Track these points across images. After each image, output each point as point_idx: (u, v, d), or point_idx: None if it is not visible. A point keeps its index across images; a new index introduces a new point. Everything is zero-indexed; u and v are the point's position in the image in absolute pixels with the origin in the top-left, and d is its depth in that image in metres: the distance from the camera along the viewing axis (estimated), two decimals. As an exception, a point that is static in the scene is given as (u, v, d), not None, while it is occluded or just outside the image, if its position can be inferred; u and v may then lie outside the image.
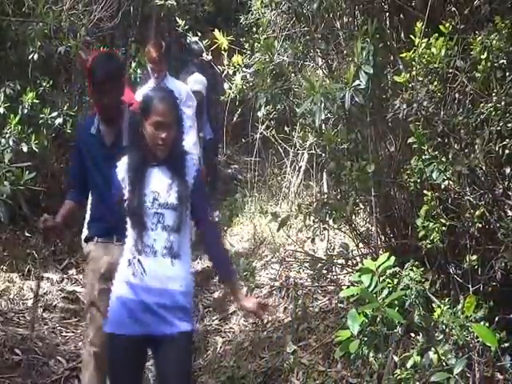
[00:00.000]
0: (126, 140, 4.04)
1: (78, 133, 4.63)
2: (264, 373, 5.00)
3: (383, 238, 5.20)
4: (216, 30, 5.92)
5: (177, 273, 3.56)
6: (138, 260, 3.51)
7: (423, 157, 4.02)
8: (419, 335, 4.15)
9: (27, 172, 5.54)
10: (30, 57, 6.61)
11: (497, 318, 3.95)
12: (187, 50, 8.47)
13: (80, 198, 4.47)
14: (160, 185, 3.58)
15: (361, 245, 5.50)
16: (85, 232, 4.78)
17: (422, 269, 4.22)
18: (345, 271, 5.75)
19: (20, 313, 6.11)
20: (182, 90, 6.74)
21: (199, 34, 7.86)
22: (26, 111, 6.36)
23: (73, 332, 5.95)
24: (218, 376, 5.09)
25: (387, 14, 5.02)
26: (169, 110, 3.56)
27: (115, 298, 3.59)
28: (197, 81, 8.06)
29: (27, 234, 7.13)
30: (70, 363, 5.39)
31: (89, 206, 4.67)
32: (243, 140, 9.62)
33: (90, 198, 4.57)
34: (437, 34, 3.91)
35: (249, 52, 5.83)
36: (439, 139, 4.21)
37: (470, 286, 4.04)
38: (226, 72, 5.88)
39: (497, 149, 4.08)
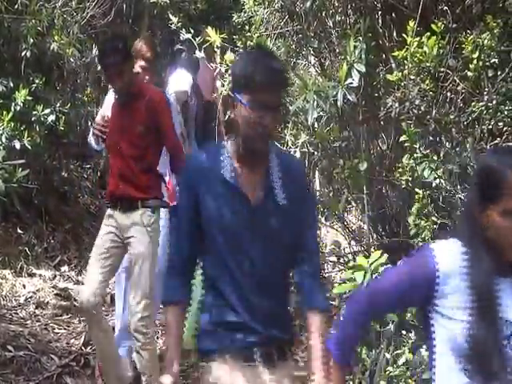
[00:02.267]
0: (281, 194, 2.62)
1: (195, 173, 2.68)
2: (256, 369, 4.99)
3: (375, 235, 5.23)
4: (209, 27, 5.91)
5: None
6: None
7: (415, 155, 4.05)
8: (411, 332, 4.16)
9: (20, 169, 5.54)
10: (23, 54, 6.59)
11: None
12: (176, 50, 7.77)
13: (187, 291, 2.76)
14: None
15: (353, 242, 5.52)
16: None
17: (414, 266, 4.24)
18: (337, 268, 5.77)
19: (12, 309, 6.10)
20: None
21: (192, 32, 7.84)
22: (18, 108, 6.32)
23: (65, 329, 5.94)
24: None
25: (379, 12, 5.04)
26: None
27: None
28: (180, 80, 7.01)
29: (20, 231, 7.11)
30: (62, 360, 5.37)
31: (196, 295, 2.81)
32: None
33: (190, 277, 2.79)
34: (429, 33, 3.94)
35: (242, 50, 5.83)
36: (431, 138, 4.24)
37: (461, 283, 4.07)
38: (218, 70, 5.88)
39: (488, 147, 4.12)
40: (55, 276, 6.77)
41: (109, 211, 4.74)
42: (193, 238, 2.69)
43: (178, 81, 7.08)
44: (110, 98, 4.99)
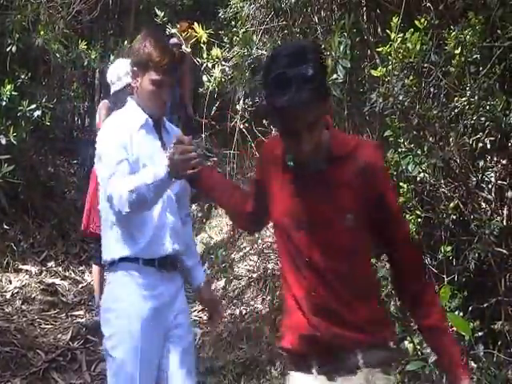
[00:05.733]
0: None
1: None
2: (242, 363, 5.04)
3: (360, 229, 5.26)
4: (195, 23, 5.92)
5: None
6: None
7: (399, 149, 4.09)
8: (395, 325, 4.21)
9: (6, 165, 5.55)
10: (9, 49, 6.59)
11: (470, 308, 4.04)
12: None
13: None
14: None
15: (338, 237, 5.55)
16: None
17: (398, 259, 4.28)
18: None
19: (-1, 305, 6.12)
20: None
21: (178, 27, 7.85)
22: (4, 103, 6.34)
23: (52, 324, 5.95)
24: (197, 367, 5.10)
25: (364, 8, 5.08)
26: None
27: None
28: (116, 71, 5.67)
29: (5, 227, 7.10)
30: (49, 355, 5.38)
31: None
32: (222, 132, 9.67)
33: None
34: (412, 29, 3.97)
35: (228, 45, 5.85)
36: (415, 132, 4.27)
37: (444, 276, 4.12)
38: (205, 65, 5.89)
39: (470, 142, 4.16)
40: (42, 271, 6.78)
41: (294, 374, 2.52)
42: None
43: (113, 72, 5.71)
44: None
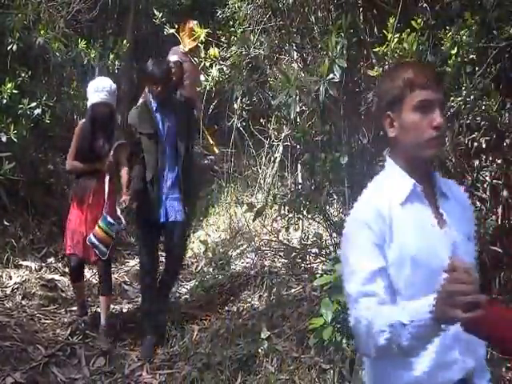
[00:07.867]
0: None
1: None
2: (239, 359, 5.05)
3: (356, 227, 5.29)
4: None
5: None
6: None
7: (395, 149, 4.14)
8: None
9: (6, 162, 5.59)
10: (9, 48, 6.63)
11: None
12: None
13: None
14: None
15: (334, 234, 5.60)
16: None
17: (394, 257, 4.32)
18: (318, 260, 5.86)
19: (-1, 300, 6.16)
20: None
21: (176, 27, 7.90)
22: (4, 101, 6.38)
23: (51, 319, 5.98)
24: (194, 363, 5.15)
25: (361, 9, 5.11)
26: None
27: None
28: (98, 88, 5.63)
29: (6, 223, 7.13)
30: (48, 350, 5.41)
31: None
32: (220, 131, 9.73)
33: None
34: (409, 30, 4.01)
35: (225, 45, 5.89)
36: (410, 132, 4.31)
37: (439, 273, 4.15)
38: (202, 64, 5.94)
39: (466, 141, 4.21)
40: (41, 267, 6.81)
41: None
42: None
43: (94, 92, 5.66)
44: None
